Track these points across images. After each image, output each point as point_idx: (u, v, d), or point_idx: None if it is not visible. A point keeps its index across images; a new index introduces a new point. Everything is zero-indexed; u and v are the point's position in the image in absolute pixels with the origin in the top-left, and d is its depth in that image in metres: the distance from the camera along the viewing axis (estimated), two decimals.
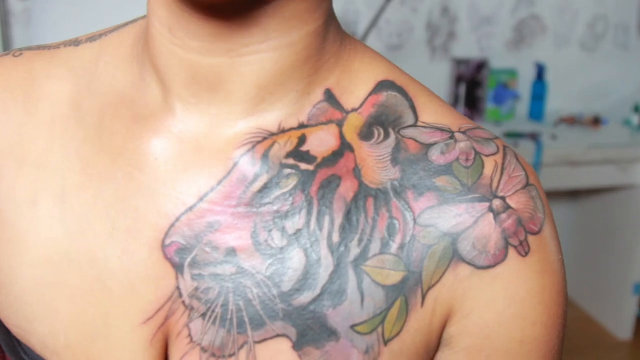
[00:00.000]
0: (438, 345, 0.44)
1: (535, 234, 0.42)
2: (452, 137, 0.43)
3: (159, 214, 0.43)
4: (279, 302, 0.41)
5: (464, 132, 0.44)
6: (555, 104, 2.54)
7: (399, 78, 0.45)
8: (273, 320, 0.41)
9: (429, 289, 0.42)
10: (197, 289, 0.42)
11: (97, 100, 0.46)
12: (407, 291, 0.41)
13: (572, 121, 2.43)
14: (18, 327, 0.45)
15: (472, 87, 2.41)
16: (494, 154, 0.43)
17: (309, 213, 0.42)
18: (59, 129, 0.46)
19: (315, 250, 0.41)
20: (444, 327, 0.43)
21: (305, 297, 0.41)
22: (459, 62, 2.40)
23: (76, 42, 0.50)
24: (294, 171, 0.42)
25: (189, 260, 0.42)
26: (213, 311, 0.41)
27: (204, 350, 0.42)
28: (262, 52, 0.41)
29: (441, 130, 0.44)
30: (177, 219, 0.42)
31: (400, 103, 0.44)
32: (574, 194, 2.63)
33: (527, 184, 0.43)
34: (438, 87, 2.43)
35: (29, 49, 0.50)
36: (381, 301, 0.41)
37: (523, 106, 2.51)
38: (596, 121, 2.43)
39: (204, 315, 0.42)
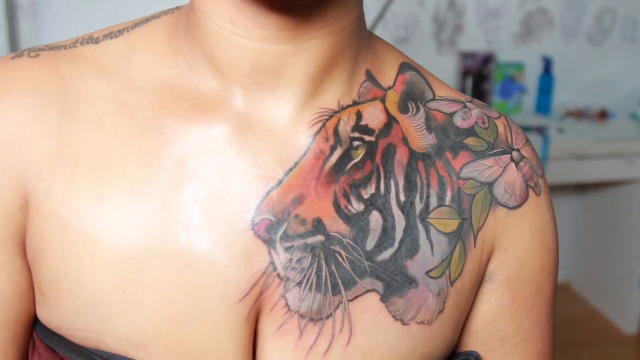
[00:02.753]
0: (482, 280, 0.51)
1: (542, 176, 0.53)
2: (465, 107, 0.52)
3: (240, 196, 0.45)
4: (365, 260, 0.46)
5: (471, 102, 0.53)
6: (562, 97, 2.54)
7: (411, 61, 0.53)
8: (362, 277, 0.46)
9: (478, 231, 0.49)
10: (291, 260, 0.45)
11: (146, 95, 0.47)
12: (463, 236, 0.49)
13: (579, 115, 2.42)
14: (88, 330, 0.45)
15: (479, 81, 2.40)
16: (499, 117, 0.53)
17: (378, 179, 0.47)
18: (109, 127, 0.46)
19: (388, 211, 0.47)
20: (488, 264, 0.51)
21: (387, 253, 0.47)
22: (466, 56, 2.39)
23: (94, 40, 0.50)
24: (361, 143, 0.47)
25: (280, 234, 0.45)
26: (309, 279, 0.45)
27: (302, 316, 0.45)
28: (322, 37, 0.45)
29: (455, 101, 0.52)
30: (265, 197, 0.45)
31: (420, 81, 0.52)
32: (581, 188, 2.62)
33: (527, 139, 0.53)
34: (444, 80, 2.41)
35: (41, 49, 0.49)
36: (446, 247, 0.48)
37: (530, 100, 2.51)
38: (603, 115, 2.42)
39: (300, 283, 0.45)
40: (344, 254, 0.46)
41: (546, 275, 0.53)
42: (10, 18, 2.00)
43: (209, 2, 0.45)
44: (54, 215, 0.45)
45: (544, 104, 2.43)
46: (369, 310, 0.46)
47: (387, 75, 0.50)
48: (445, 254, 0.48)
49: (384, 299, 0.46)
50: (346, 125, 0.47)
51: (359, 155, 0.47)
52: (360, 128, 0.47)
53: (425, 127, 0.50)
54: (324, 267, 0.45)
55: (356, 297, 0.46)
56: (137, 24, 0.50)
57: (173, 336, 0.45)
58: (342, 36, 0.46)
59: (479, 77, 2.40)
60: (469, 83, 2.40)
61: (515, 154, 0.51)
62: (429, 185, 0.48)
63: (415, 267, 0.47)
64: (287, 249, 0.45)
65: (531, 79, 2.49)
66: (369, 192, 0.47)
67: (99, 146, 0.46)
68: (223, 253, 0.44)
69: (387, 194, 0.47)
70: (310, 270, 0.45)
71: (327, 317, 0.45)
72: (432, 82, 0.52)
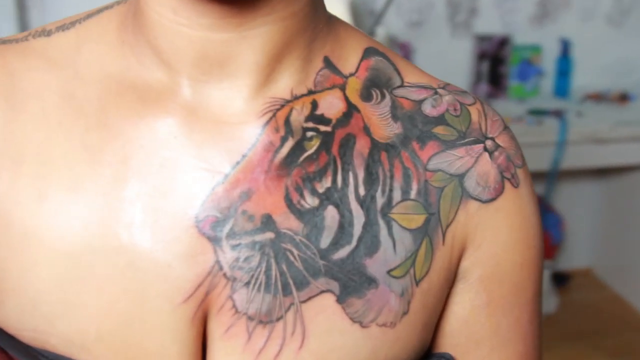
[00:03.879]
0: (454, 279, 0.48)
1: (520, 167, 0.49)
2: (436, 93, 0.48)
3: (185, 191, 0.43)
4: (319, 259, 0.43)
5: (442, 88, 0.49)
6: (581, 80, 2.48)
7: (378, 45, 0.49)
8: (316, 277, 0.43)
9: (447, 226, 0.46)
10: (237, 259, 0.42)
11: (93, 88, 0.45)
12: (430, 232, 0.46)
13: (598, 98, 2.37)
14: (34, 330, 0.44)
15: (495, 64, 2.36)
16: (474, 103, 0.49)
17: (335, 171, 0.44)
18: (54, 120, 0.45)
19: (345, 205, 0.44)
20: (459, 262, 0.47)
21: (343, 251, 0.44)
22: (482, 39, 2.34)
23: (46, 32, 0.49)
24: (315, 133, 0.44)
25: (225, 231, 0.42)
26: (257, 278, 0.42)
27: (250, 318, 0.43)
28: (270, 23, 0.43)
29: (425, 87, 0.49)
30: (211, 192, 0.43)
31: (387, 66, 0.48)
32: (601, 172, 2.57)
33: (506, 126, 0.49)
34: (459, 64, 2.38)
35: None
36: (410, 244, 0.45)
37: (548, 83, 2.45)
38: (623, 97, 2.37)
39: (247, 283, 0.42)
40: (295, 252, 0.43)
41: (526, 273, 0.49)
42: (20, 7, 1.99)
43: None
44: None
45: (562, 87, 2.38)
46: (323, 311, 0.43)
47: (349, 61, 0.47)
48: (409, 251, 0.45)
49: (340, 300, 0.43)
50: (299, 115, 0.44)
51: (313, 146, 0.44)
52: (314, 117, 0.45)
53: (390, 115, 0.46)
54: (274, 266, 0.43)
55: (309, 298, 0.43)
56: (90, 15, 0.49)
57: (116, 337, 0.43)
58: (293, 22, 0.43)
59: (495, 60, 2.36)
60: (485, 66, 2.35)
61: (489, 142, 0.47)
62: (392, 178, 0.45)
63: (375, 265, 0.44)
64: (234, 247, 0.42)
65: (548, 62, 2.44)
66: (324, 185, 0.44)
67: (43, 141, 0.44)
68: (166, 251, 0.42)
69: (344, 187, 0.44)
70: (259, 270, 0.42)
71: (277, 319, 0.43)
72: (402, 68, 0.49)
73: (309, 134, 0.44)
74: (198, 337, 0.43)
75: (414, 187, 0.45)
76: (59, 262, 0.43)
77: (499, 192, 0.47)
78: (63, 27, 0.48)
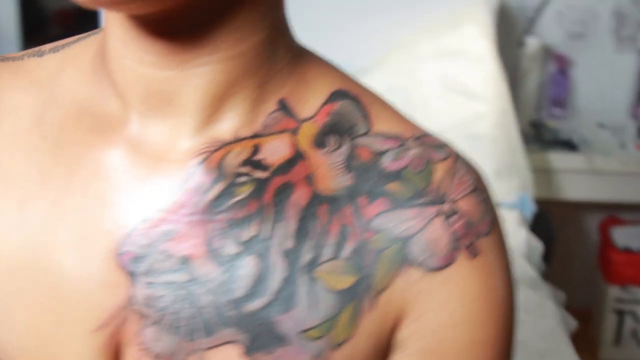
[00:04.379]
0: (388, 348, 0.45)
1: (484, 236, 0.44)
2: (403, 145, 0.45)
3: (114, 223, 0.44)
4: (230, 308, 0.42)
5: (415, 139, 0.45)
6: None
7: (353, 88, 0.47)
8: (224, 327, 0.42)
9: (380, 292, 0.43)
10: (150, 297, 0.43)
11: (59, 112, 0.47)
12: (358, 295, 0.43)
13: None
14: None
15: None
16: (444, 160, 0.45)
17: (263, 220, 0.43)
18: (21, 140, 0.47)
19: (267, 257, 0.42)
20: (394, 330, 0.44)
21: (256, 304, 0.42)
22: None
23: (40, 53, 0.50)
24: (248, 179, 0.43)
25: (143, 268, 0.43)
26: (165, 318, 0.42)
27: (157, 357, 0.43)
28: (213, 63, 0.42)
29: (393, 138, 0.45)
30: (133, 229, 0.43)
31: (354, 112, 0.45)
32: None
33: (476, 188, 0.45)
34: (622, 81, 2.21)
35: None
36: (332, 306, 0.42)
37: None
38: None
39: (156, 322, 0.42)
40: (207, 297, 0.42)
41: (479, 352, 0.44)
42: None
43: (110, 23, 0.43)
44: None
45: None
46: None
47: (309, 104, 0.45)
48: (330, 313, 0.42)
49: (248, 353, 0.42)
50: (235, 159, 0.43)
51: (244, 192, 0.43)
52: (251, 162, 0.43)
53: (343, 165, 0.44)
54: (183, 309, 0.42)
55: (215, 347, 0.42)
56: (80, 39, 0.50)
57: (35, 354, 0.44)
58: (239, 62, 0.42)
59: None
60: None
61: (446, 205, 0.43)
62: (326, 234, 0.42)
63: (289, 323, 0.42)
64: (149, 285, 0.42)
65: None
66: (248, 234, 0.42)
67: (8, 159, 0.46)
68: (88, 278, 0.43)
69: (270, 238, 0.42)
70: (169, 311, 0.42)
71: None
72: (375, 114, 0.46)
73: (241, 179, 0.43)
74: None
75: (349, 246, 0.42)
76: None
77: (450, 261, 0.43)
78: (55, 49, 0.50)
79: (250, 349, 0.42)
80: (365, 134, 0.45)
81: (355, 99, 0.46)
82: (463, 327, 0.43)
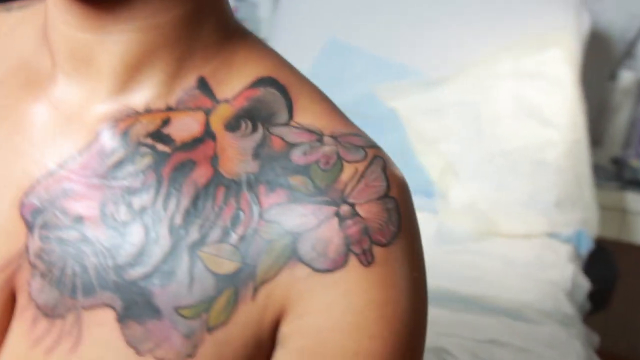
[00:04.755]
0: (272, 344, 0.44)
1: (382, 245, 0.43)
2: (319, 140, 0.44)
3: (23, 174, 0.46)
4: (112, 273, 0.43)
5: (334, 137, 0.45)
6: None
7: (285, 77, 0.47)
8: (103, 290, 0.43)
9: (263, 283, 0.42)
10: (41, 249, 0.44)
11: (3, 65, 0.50)
12: (238, 283, 0.42)
13: None
14: None
15: None
16: (357, 161, 0.44)
17: (157, 193, 0.43)
18: None
19: (155, 229, 0.43)
20: (276, 325, 0.43)
21: (136, 272, 0.43)
22: None
23: (8, 8, 0.54)
24: (149, 150, 0.44)
25: (40, 221, 0.45)
26: (51, 272, 0.44)
27: (38, 308, 0.44)
28: (129, 31, 0.44)
29: (311, 131, 0.45)
30: (37, 182, 0.45)
31: (277, 101, 0.46)
32: None
33: (385, 196, 0.43)
34: None
35: None
36: (210, 288, 0.42)
37: None
38: None
39: (43, 275, 0.44)
40: (92, 259, 0.43)
41: None
42: None
43: None
44: None
45: None
46: (102, 325, 0.43)
47: (231, 86, 0.46)
48: (207, 295, 0.42)
49: (121, 319, 0.43)
50: (141, 129, 0.44)
51: (143, 163, 0.44)
52: (157, 135, 0.44)
53: (251, 152, 0.44)
54: (69, 266, 0.44)
55: (91, 307, 0.43)
56: None
57: None
58: (156, 34, 0.44)
59: None
60: None
61: (345, 208, 0.42)
62: (218, 216, 0.43)
63: (164, 297, 0.42)
64: (42, 238, 0.44)
65: None
66: (141, 203, 0.43)
67: None
68: None
69: (161, 211, 0.43)
70: (56, 265, 0.44)
71: (59, 317, 0.44)
72: (302, 106, 0.46)
73: (143, 149, 0.44)
74: (4, 310, 0.46)
75: (239, 231, 0.42)
76: None
77: (339, 264, 0.42)
78: (22, 6, 0.53)
79: (123, 316, 0.43)
80: (284, 124, 0.45)
81: (281, 88, 0.46)
82: (347, 336, 0.42)
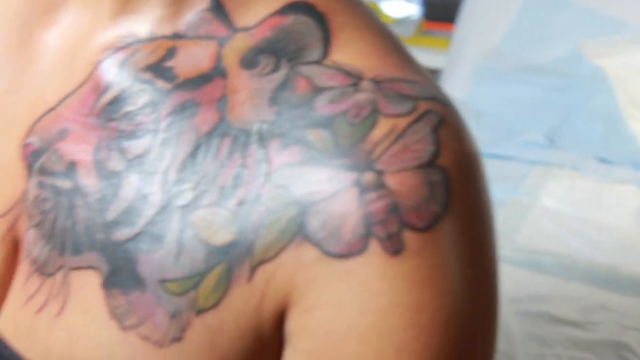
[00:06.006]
0: (278, 340, 0.36)
1: (416, 229, 0.32)
2: (355, 85, 0.35)
3: (28, 110, 0.41)
4: (99, 230, 0.38)
5: (376, 82, 0.35)
6: None
7: (327, 3, 0.37)
8: (90, 249, 0.38)
9: (260, 263, 0.34)
10: (37, 197, 0.40)
11: None
12: (232, 258, 0.35)
13: None
14: None
15: None
16: (398, 115, 0.33)
17: (153, 139, 0.37)
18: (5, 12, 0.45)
19: (147, 183, 0.37)
20: (280, 317, 0.35)
21: (123, 233, 0.37)
22: None
23: None
24: (147, 87, 0.37)
25: (38, 165, 0.40)
26: (44, 224, 0.39)
27: (32, 262, 0.40)
28: None
29: (347, 73, 0.35)
30: (38, 119, 0.40)
31: (310, 32, 0.36)
32: None
33: (429, 164, 0.33)
34: None
35: None
36: (200, 261, 0.35)
37: None
38: None
39: (37, 226, 0.40)
40: (83, 213, 0.38)
41: None
42: None
43: None
44: None
45: None
46: (86, 289, 0.38)
47: (253, 11, 0.37)
48: (195, 269, 0.35)
49: (105, 285, 0.37)
50: (141, 60, 0.38)
51: (139, 101, 0.37)
52: (157, 68, 0.37)
53: (269, 95, 0.36)
54: (60, 219, 0.38)
55: (79, 268, 0.38)
56: None
57: None
58: None
59: None
60: None
61: (368, 175, 0.32)
62: (218, 173, 0.35)
63: (150, 266, 0.36)
64: (39, 184, 0.39)
65: None
66: (135, 151, 0.37)
67: None
68: (1, 164, 0.42)
69: (155, 161, 0.37)
70: (48, 217, 0.39)
71: (49, 275, 0.39)
72: (341, 41, 0.36)
73: (138, 86, 0.37)
74: (6, 260, 0.42)
75: (240, 195, 0.35)
76: None
77: (355, 250, 0.33)
78: None
79: (107, 282, 0.37)
80: (315, 62, 0.36)
81: (318, 16, 0.37)
82: (364, 342, 0.33)
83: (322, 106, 0.34)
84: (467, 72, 1.62)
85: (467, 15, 1.72)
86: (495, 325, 0.36)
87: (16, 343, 0.40)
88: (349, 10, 0.38)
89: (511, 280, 1.09)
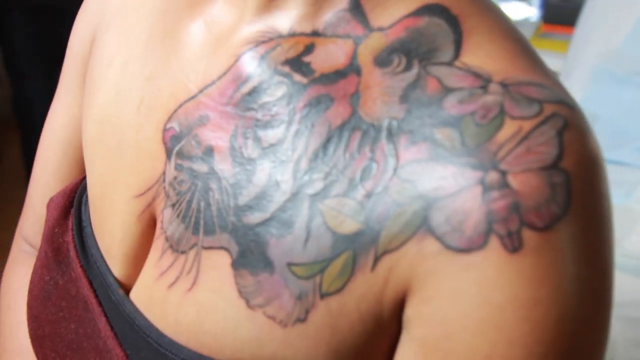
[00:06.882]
0: (397, 326, 0.38)
1: (535, 229, 0.33)
2: (484, 87, 0.35)
3: (170, 97, 0.44)
4: (232, 214, 0.39)
5: (505, 85, 0.35)
6: None
7: (461, 5, 0.38)
8: (222, 231, 0.40)
9: (385, 253, 0.35)
10: (175, 178, 0.42)
11: None
12: (358, 247, 0.36)
13: None
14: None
15: None
16: (525, 118, 0.34)
17: (287, 130, 0.39)
18: (145, 3, 0.48)
19: (279, 171, 0.38)
20: (400, 305, 0.37)
21: (254, 217, 0.39)
22: None
23: None
24: (285, 80, 0.39)
25: (177, 148, 0.43)
26: (180, 204, 0.42)
27: (167, 239, 0.43)
28: None
29: (477, 75, 0.36)
30: (180, 106, 0.43)
31: (443, 34, 0.38)
32: None
33: (552, 166, 0.33)
34: None
35: None
36: (327, 248, 0.37)
37: None
38: None
39: (173, 205, 0.42)
40: (217, 196, 0.40)
41: None
42: None
43: None
44: (90, 65, 0.51)
45: None
46: (217, 268, 0.40)
47: (389, 12, 0.38)
48: (321, 255, 0.36)
49: (235, 265, 0.39)
50: (281, 55, 0.40)
51: (276, 93, 0.39)
52: (295, 63, 0.39)
53: (400, 93, 0.36)
54: (195, 200, 0.41)
55: (211, 248, 0.40)
56: None
57: (96, 204, 0.48)
58: None
59: None
60: None
61: (492, 175, 0.33)
62: (347, 165, 0.37)
63: (278, 250, 0.38)
64: (177, 166, 0.42)
65: None
66: (269, 140, 0.39)
67: (128, 14, 0.49)
68: (141, 147, 0.45)
69: (288, 151, 0.38)
70: (184, 197, 0.41)
71: (182, 252, 0.41)
72: (473, 43, 0.37)
73: (277, 78, 0.39)
74: (142, 236, 0.45)
75: (368, 187, 0.36)
76: (94, 123, 0.48)
77: (476, 245, 0.33)
78: None
79: (237, 263, 0.39)
80: (446, 63, 0.37)
81: (452, 19, 0.38)
82: (478, 335, 0.34)
83: (451, 106, 0.35)
84: (584, 75, 1.58)
85: (587, 18, 1.67)
86: (607, 329, 0.36)
87: (148, 314, 0.43)
88: (481, 13, 0.38)
89: (616, 285, 1.08)
